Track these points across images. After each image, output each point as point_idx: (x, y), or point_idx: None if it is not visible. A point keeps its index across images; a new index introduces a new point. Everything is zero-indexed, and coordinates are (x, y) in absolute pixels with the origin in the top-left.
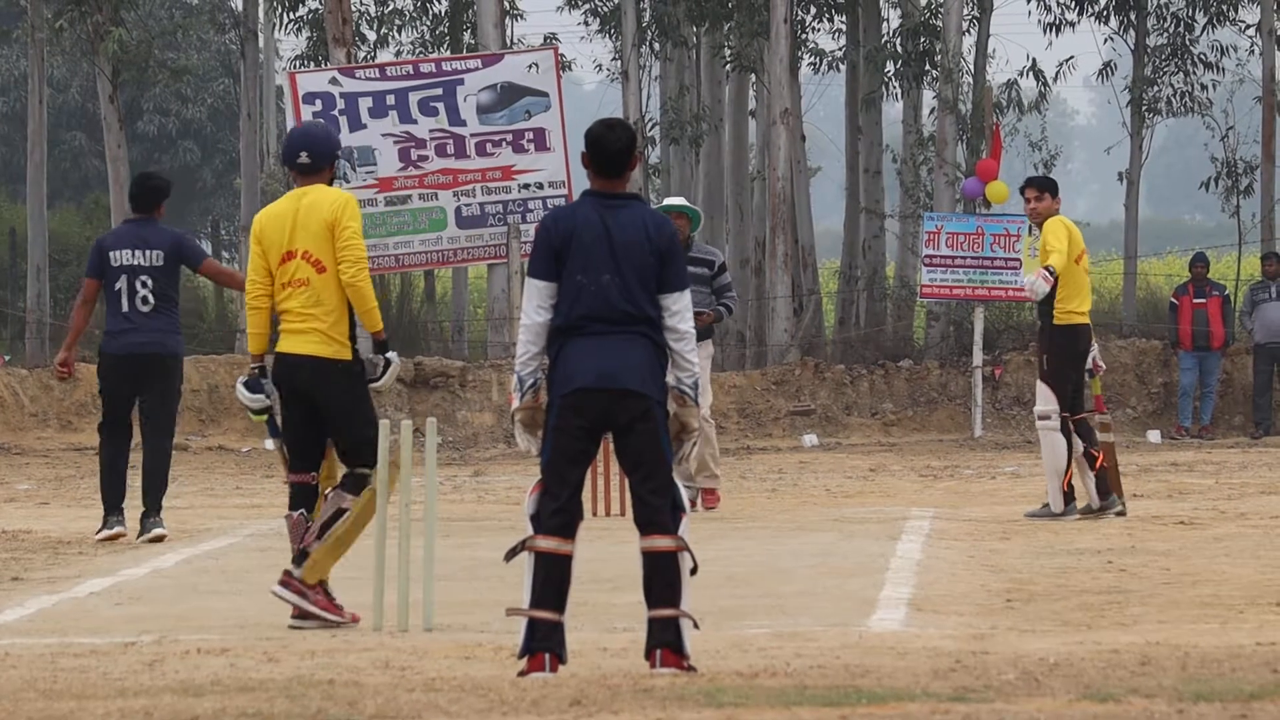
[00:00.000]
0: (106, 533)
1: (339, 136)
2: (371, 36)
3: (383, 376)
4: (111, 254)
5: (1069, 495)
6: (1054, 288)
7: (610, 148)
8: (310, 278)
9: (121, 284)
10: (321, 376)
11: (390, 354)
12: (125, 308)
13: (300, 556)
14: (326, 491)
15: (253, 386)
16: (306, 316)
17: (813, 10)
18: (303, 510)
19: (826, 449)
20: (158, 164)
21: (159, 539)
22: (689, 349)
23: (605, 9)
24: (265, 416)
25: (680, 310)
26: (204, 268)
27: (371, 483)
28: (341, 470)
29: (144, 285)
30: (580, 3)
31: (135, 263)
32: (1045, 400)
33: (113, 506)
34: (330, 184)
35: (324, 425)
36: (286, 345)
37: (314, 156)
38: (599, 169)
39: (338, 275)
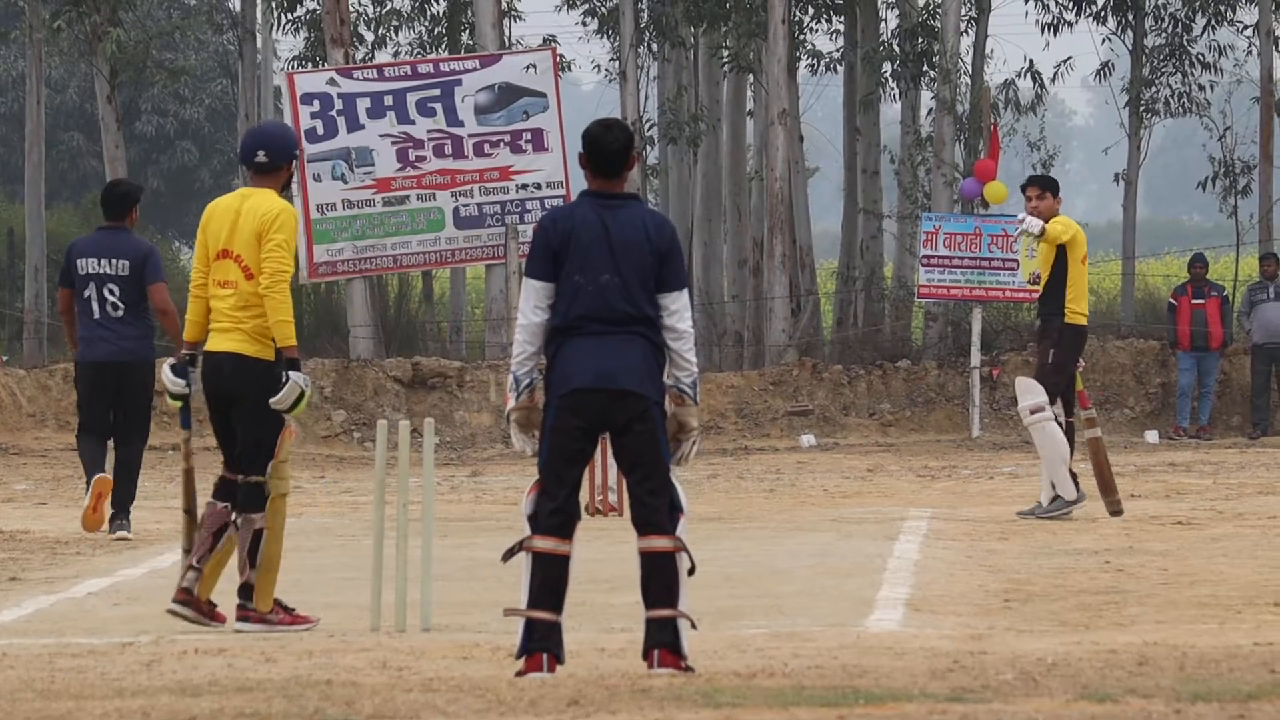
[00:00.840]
0: (122, 534)
1: (294, 136)
2: (369, 37)
3: (280, 393)
4: (78, 262)
5: (1077, 481)
6: (1064, 288)
7: (608, 148)
8: (238, 281)
9: (90, 292)
10: (241, 373)
11: (294, 374)
12: (97, 314)
13: (245, 589)
14: (235, 519)
15: (179, 371)
16: (234, 318)
17: (810, 11)
18: (228, 504)
19: (824, 449)
20: (155, 164)
21: (123, 539)
22: (688, 348)
23: (603, 9)
24: (181, 404)
25: (679, 310)
26: (152, 290)
27: (268, 490)
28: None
29: (111, 293)
30: (578, 3)
31: (101, 271)
32: (1035, 393)
33: (121, 506)
34: (288, 184)
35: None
36: (212, 343)
37: (271, 155)
38: (597, 169)
39: None
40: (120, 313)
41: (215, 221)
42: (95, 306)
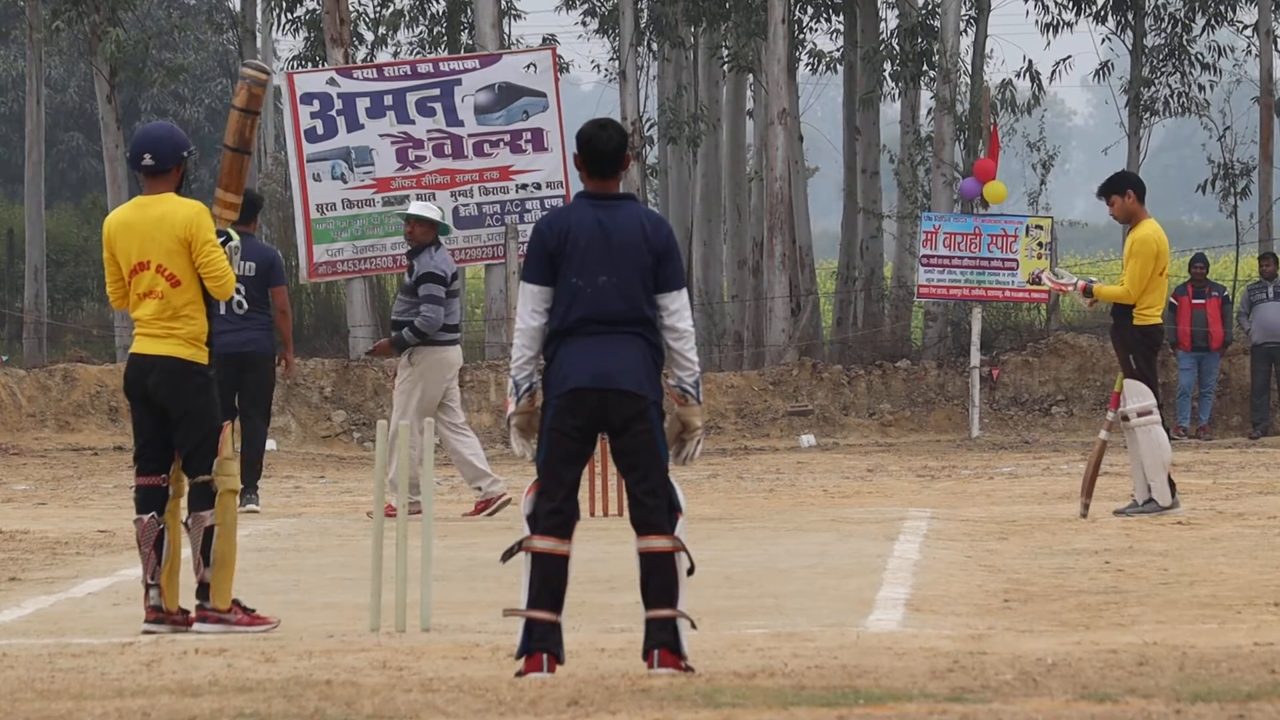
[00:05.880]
0: (251, 507)
1: (185, 136)
2: (369, 37)
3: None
4: None
5: (1173, 488)
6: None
7: (603, 147)
8: (164, 291)
9: None
10: (175, 377)
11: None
12: (223, 311)
13: (202, 589)
14: (185, 520)
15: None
16: (166, 327)
17: (810, 10)
18: (154, 514)
19: (824, 449)
20: None
21: (252, 512)
22: (689, 348)
23: (603, 9)
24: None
25: (679, 309)
26: (274, 292)
27: (215, 488)
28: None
29: (238, 293)
30: (578, 3)
31: None
32: (1143, 396)
33: (249, 484)
34: (180, 184)
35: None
36: (141, 347)
37: (158, 158)
38: (592, 170)
39: (194, 286)
40: (244, 310)
41: (121, 238)
42: (222, 305)
